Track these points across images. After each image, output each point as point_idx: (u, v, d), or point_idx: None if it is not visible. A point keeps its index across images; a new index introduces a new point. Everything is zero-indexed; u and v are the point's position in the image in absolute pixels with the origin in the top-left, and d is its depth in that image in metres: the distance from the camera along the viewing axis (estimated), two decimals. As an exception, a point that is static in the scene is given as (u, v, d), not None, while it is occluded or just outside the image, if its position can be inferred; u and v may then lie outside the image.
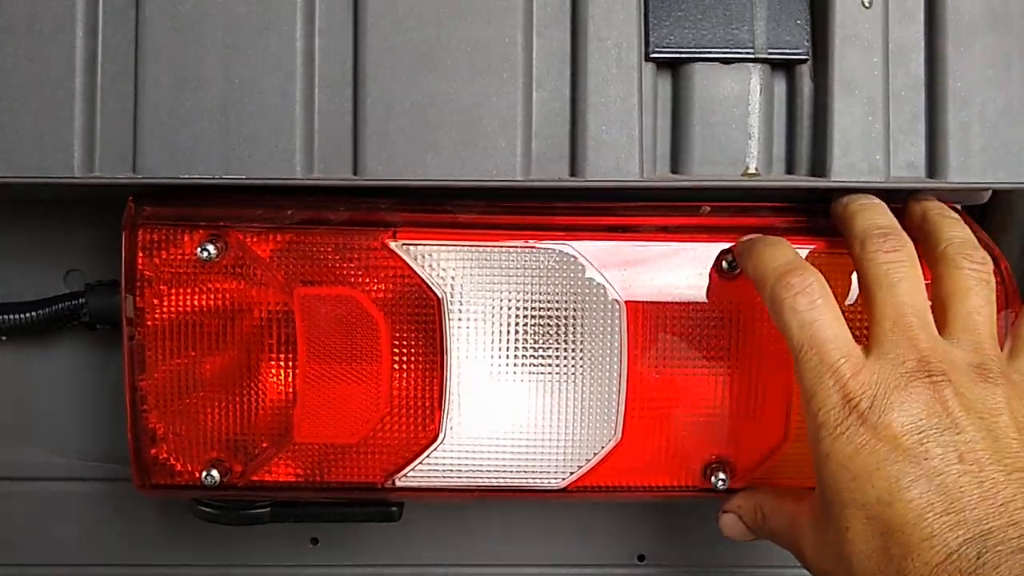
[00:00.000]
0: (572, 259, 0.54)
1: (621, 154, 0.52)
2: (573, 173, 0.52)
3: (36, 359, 0.66)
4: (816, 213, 0.55)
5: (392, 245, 0.53)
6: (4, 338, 0.64)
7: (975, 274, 0.48)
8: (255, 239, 0.53)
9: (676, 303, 0.54)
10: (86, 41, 0.51)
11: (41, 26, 0.50)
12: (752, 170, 0.54)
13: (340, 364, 0.54)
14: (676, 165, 0.54)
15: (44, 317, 0.61)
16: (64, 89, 0.51)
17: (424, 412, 0.55)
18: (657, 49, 0.52)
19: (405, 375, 0.54)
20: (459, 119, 0.51)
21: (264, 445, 0.55)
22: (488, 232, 0.54)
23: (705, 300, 0.54)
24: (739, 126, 0.53)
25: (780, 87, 0.54)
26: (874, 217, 0.50)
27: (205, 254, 0.53)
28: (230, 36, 0.51)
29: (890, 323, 0.46)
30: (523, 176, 0.51)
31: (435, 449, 0.55)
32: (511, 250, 0.54)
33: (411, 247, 0.53)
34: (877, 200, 0.52)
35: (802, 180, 0.54)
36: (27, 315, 0.61)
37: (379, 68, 0.51)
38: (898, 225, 0.50)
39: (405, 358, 0.54)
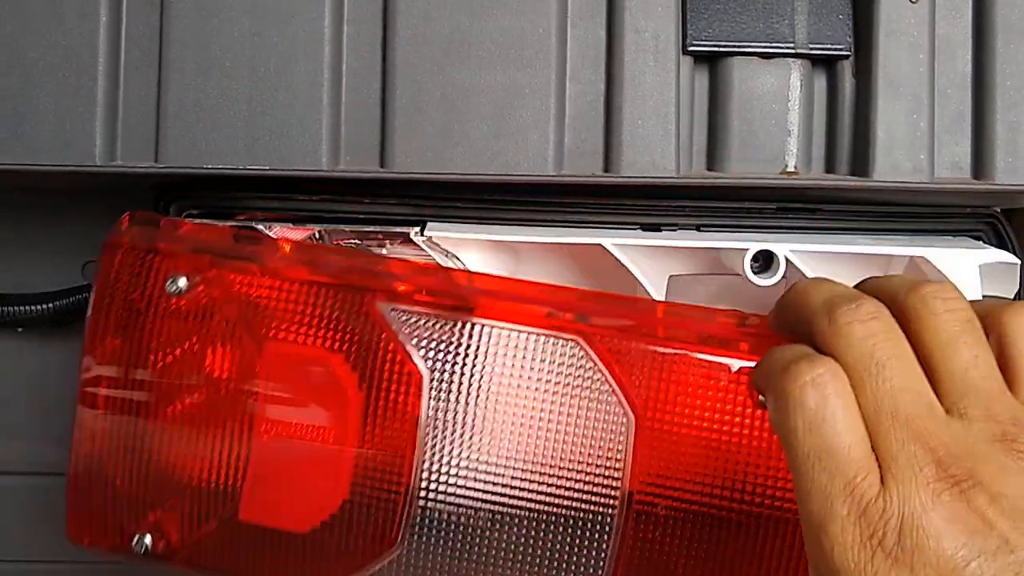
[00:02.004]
0: (582, 354, 0.46)
1: (657, 150, 0.50)
2: (607, 169, 0.50)
3: (52, 351, 0.65)
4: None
5: (380, 307, 0.47)
6: (20, 329, 0.64)
7: (953, 316, 0.37)
8: (232, 279, 0.48)
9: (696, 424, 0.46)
10: (109, 27, 0.50)
11: (63, 11, 0.49)
12: (791, 168, 0.52)
13: (302, 435, 0.47)
14: (712, 162, 0.52)
15: (61, 308, 0.60)
16: (86, 76, 0.49)
17: (385, 510, 0.46)
18: (695, 42, 0.51)
19: (371, 461, 0.46)
20: (490, 111, 0.50)
21: (206, 516, 0.48)
22: (493, 301, 0.46)
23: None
24: (778, 123, 0.52)
25: (820, 83, 0.53)
26: (832, 287, 0.39)
27: (175, 287, 0.48)
28: (257, 23, 0.50)
29: (889, 420, 0.36)
30: (555, 171, 0.50)
31: (390, 558, 0.47)
32: (513, 332, 0.46)
33: (400, 313, 0.47)
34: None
35: (842, 180, 0.52)
36: (44, 306, 0.60)
37: (408, 58, 0.50)
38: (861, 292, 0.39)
39: (374, 441, 0.46)
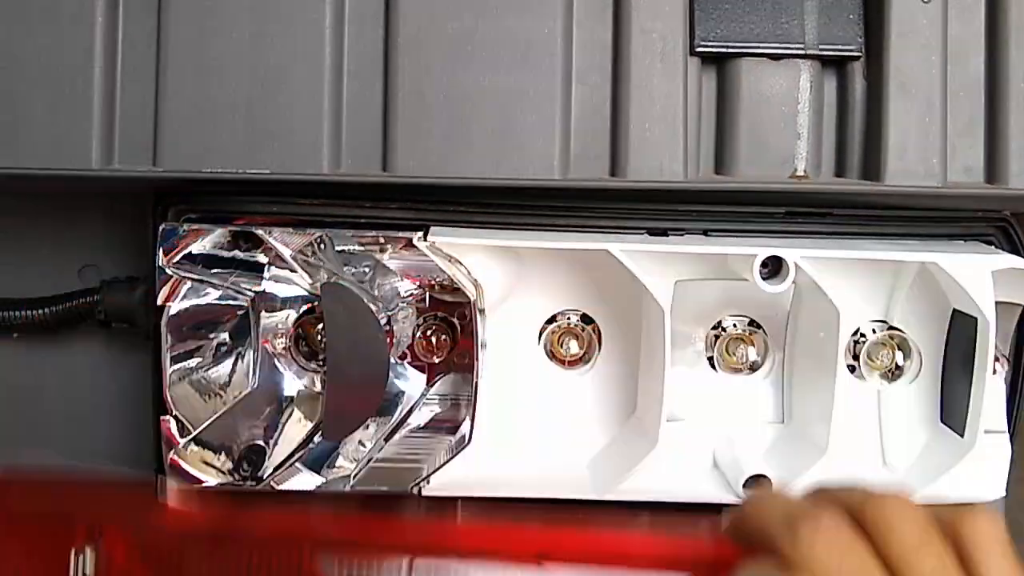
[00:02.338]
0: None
1: (664, 153, 0.49)
2: (613, 173, 0.50)
3: (49, 357, 0.64)
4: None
5: (321, 565, 0.39)
6: (16, 335, 0.63)
7: (915, 527, 0.37)
8: (148, 543, 0.39)
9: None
10: (106, 28, 0.49)
11: (59, 14, 0.48)
12: (800, 172, 0.51)
13: None
14: (720, 166, 0.51)
15: (57, 314, 0.59)
16: (82, 79, 0.49)
17: None
18: (703, 43, 0.50)
19: None
20: (495, 115, 0.49)
21: None
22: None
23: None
24: (787, 125, 0.51)
25: (831, 85, 0.52)
26: (788, 502, 0.39)
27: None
28: (256, 25, 0.49)
29: None
30: (561, 176, 0.49)
31: None
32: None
33: (345, 569, 0.39)
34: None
35: (853, 184, 0.51)
36: (40, 311, 0.59)
37: (411, 59, 0.49)
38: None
39: None
